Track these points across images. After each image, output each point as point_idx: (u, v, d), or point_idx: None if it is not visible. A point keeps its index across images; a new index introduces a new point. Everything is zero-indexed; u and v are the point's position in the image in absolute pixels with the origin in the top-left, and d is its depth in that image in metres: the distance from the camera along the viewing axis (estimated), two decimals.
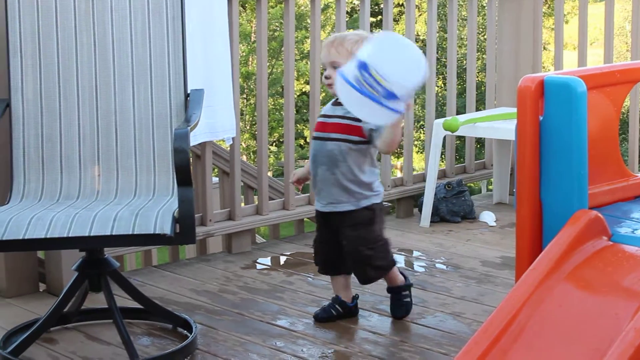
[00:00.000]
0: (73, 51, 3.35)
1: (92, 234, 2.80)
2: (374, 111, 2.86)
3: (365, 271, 3.34)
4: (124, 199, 3.21)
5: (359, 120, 3.16)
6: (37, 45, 3.32)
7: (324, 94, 7.76)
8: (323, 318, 3.39)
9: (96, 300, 3.31)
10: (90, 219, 2.84)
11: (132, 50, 3.37)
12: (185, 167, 2.85)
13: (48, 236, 2.79)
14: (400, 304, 3.44)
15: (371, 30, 5.78)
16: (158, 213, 2.87)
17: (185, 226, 2.87)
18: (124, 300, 3.29)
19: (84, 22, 3.36)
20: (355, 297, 3.46)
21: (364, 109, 2.88)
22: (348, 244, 3.29)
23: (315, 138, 3.31)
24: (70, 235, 2.80)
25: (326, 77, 3.21)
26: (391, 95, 2.83)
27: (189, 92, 3.38)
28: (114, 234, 2.81)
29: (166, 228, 2.81)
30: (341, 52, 3.15)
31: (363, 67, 2.79)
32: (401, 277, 3.44)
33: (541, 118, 2.63)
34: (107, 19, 3.37)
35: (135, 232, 2.82)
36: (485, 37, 6.14)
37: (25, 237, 2.79)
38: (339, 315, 3.40)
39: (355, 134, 3.20)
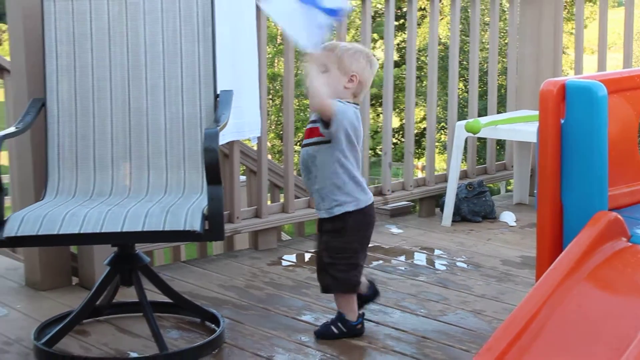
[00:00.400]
0: (106, 53, 3.37)
1: (124, 230, 2.82)
2: (303, 24, 2.89)
3: (323, 278, 3.17)
4: (154, 196, 3.22)
5: (316, 121, 3.09)
6: (72, 47, 3.35)
7: None
8: (321, 334, 3.21)
9: (127, 294, 3.33)
10: (122, 215, 2.86)
11: (164, 53, 3.39)
12: (215, 165, 2.86)
13: (81, 232, 2.82)
14: (326, 325, 3.20)
15: (395, 34, 5.77)
16: (188, 210, 2.89)
17: (214, 223, 2.89)
18: (154, 294, 3.30)
19: (117, 25, 3.38)
20: (361, 315, 3.24)
21: (294, 20, 2.91)
22: (317, 250, 3.23)
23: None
24: (102, 231, 2.82)
25: None
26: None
27: (218, 92, 3.39)
28: (145, 230, 2.83)
29: (196, 225, 2.83)
30: (331, 57, 3.07)
31: None
32: (354, 313, 3.18)
33: (562, 121, 2.62)
34: (140, 22, 3.39)
35: (165, 229, 2.83)
36: (506, 41, 6.13)
37: (60, 233, 2.82)
38: (341, 334, 3.19)
39: (316, 135, 3.10)
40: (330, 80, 3.07)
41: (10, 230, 2.81)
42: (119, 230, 2.82)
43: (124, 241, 3.03)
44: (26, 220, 2.84)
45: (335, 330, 3.18)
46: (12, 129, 3.14)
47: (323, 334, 3.19)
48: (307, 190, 3.26)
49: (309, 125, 3.15)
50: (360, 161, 3.18)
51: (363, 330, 3.22)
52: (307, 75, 3.02)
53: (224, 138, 4.01)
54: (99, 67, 3.37)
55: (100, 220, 2.84)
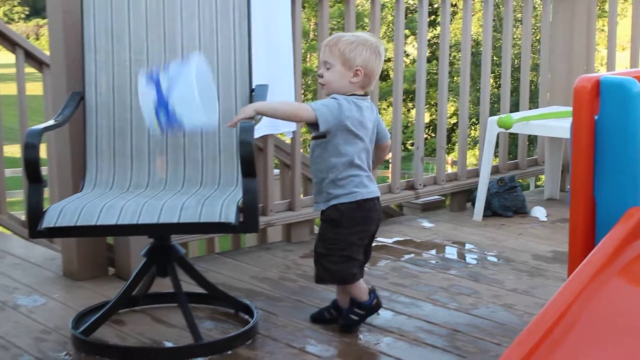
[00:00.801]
0: (144, 48, 3.39)
1: (160, 222, 2.83)
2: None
3: (316, 268, 3.13)
4: (190, 188, 3.23)
5: None
6: (110, 42, 3.37)
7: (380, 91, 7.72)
8: (316, 318, 3.26)
9: (162, 285, 3.34)
10: (158, 207, 2.87)
11: (200, 47, 3.39)
12: (250, 159, 2.86)
13: (118, 223, 2.83)
14: (345, 317, 3.18)
15: (429, 29, 5.75)
16: (223, 203, 2.89)
17: (249, 215, 2.89)
18: (189, 285, 3.31)
19: (155, 20, 3.39)
20: (372, 291, 3.18)
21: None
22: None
23: None
24: (139, 222, 2.83)
25: (319, 76, 3.09)
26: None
27: (253, 87, 3.39)
28: (180, 222, 2.83)
29: (231, 217, 2.83)
30: (334, 52, 3.01)
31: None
32: (364, 295, 3.14)
33: (596, 117, 2.60)
34: (177, 17, 3.39)
35: (201, 221, 2.84)
36: (538, 37, 6.09)
37: (97, 224, 2.83)
38: (332, 319, 3.22)
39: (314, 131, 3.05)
40: (336, 76, 3.02)
41: (49, 221, 2.83)
42: (155, 222, 2.83)
43: (159, 233, 3.04)
44: (65, 211, 2.85)
45: (354, 317, 3.15)
46: (51, 122, 3.15)
47: (347, 326, 3.16)
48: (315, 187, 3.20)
49: None
50: (367, 151, 3.10)
51: (380, 304, 3.19)
52: (265, 111, 2.99)
53: (258, 132, 4.01)
54: (137, 62, 3.38)
55: (137, 212, 2.85)
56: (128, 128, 3.34)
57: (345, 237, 3.07)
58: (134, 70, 3.36)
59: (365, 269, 3.87)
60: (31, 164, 2.84)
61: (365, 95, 3.09)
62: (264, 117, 3.57)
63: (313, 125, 3.00)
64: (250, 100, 3.34)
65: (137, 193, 3.14)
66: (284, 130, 4.20)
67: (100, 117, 3.34)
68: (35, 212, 2.86)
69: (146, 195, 3.08)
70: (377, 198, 3.15)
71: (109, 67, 3.37)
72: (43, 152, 5.19)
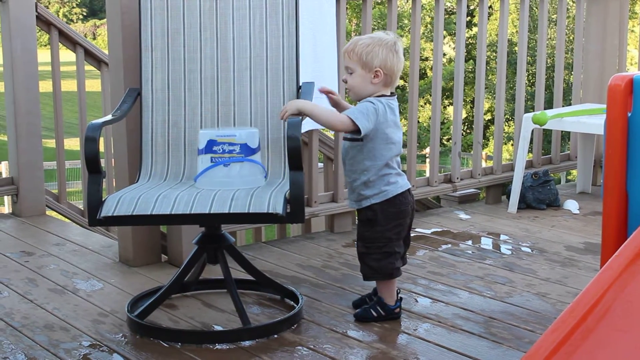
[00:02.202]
0: (197, 46, 3.40)
1: (211, 212, 2.84)
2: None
3: (361, 267, 3.11)
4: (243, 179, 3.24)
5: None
6: (166, 41, 3.38)
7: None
8: (357, 305, 3.23)
9: (212, 272, 3.36)
10: (210, 198, 2.88)
11: (251, 46, 3.40)
12: (297, 153, 2.86)
13: (173, 212, 2.85)
14: (366, 309, 3.14)
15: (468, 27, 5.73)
16: (271, 194, 2.90)
17: (295, 207, 2.89)
18: (237, 272, 3.32)
19: (208, 20, 3.40)
20: (399, 300, 3.16)
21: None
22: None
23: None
24: (192, 212, 2.84)
25: (344, 81, 3.07)
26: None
27: (300, 84, 3.40)
28: (231, 212, 2.85)
29: (278, 208, 2.84)
30: (352, 58, 2.98)
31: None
32: (393, 298, 3.12)
33: (629, 114, 2.57)
34: (229, 17, 3.40)
35: (250, 211, 2.85)
36: (571, 37, 6.04)
37: (153, 213, 2.85)
38: (379, 317, 3.13)
39: (350, 132, 3.00)
40: (358, 80, 2.99)
41: (108, 210, 2.85)
42: (206, 211, 2.84)
43: (211, 222, 3.06)
44: (122, 201, 2.88)
45: (374, 313, 3.12)
46: (109, 117, 3.18)
47: (362, 317, 3.14)
48: (346, 182, 3.20)
49: None
50: (399, 153, 3.06)
51: (400, 314, 3.16)
52: (308, 112, 2.97)
53: (304, 127, 4.01)
54: (190, 60, 3.39)
55: (190, 202, 2.86)
56: (182, 122, 3.36)
57: (382, 234, 3.04)
58: (187, 68, 3.38)
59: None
60: (91, 156, 2.86)
61: (392, 95, 3.05)
62: None
63: (354, 131, 2.97)
64: (297, 97, 3.34)
65: (190, 184, 3.15)
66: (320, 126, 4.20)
67: (155, 112, 3.36)
68: (94, 201, 2.89)
69: (199, 187, 3.09)
70: (408, 190, 3.11)
71: (165, 65, 3.38)
72: (101, 145, 5.25)
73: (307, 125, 4.03)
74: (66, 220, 5.03)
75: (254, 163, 3.07)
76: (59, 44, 4.89)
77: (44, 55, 4.84)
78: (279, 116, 3.05)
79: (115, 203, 2.86)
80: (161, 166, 3.32)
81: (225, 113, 3.38)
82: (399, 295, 3.17)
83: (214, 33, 3.40)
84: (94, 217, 2.88)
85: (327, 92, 3.17)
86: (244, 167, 3.05)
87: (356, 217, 3.17)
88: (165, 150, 3.34)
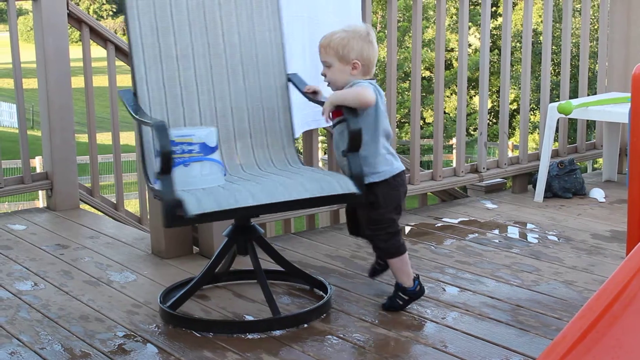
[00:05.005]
0: (189, 44, 3.27)
1: (294, 199, 2.89)
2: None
3: (374, 249, 3.19)
4: (269, 169, 3.25)
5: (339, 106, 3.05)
6: (156, 40, 3.21)
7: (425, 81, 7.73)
8: (389, 307, 3.17)
9: (243, 263, 3.37)
10: (279, 186, 2.92)
11: (240, 42, 3.35)
12: (358, 136, 2.97)
13: (256, 204, 2.84)
14: (391, 299, 3.17)
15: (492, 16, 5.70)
16: (329, 177, 2.99)
17: (359, 185, 2.98)
18: (267, 263, 3.34)
19: (197, 17, 3.28)
20: (416, 278, 3.18)
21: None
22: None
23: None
24: (275, 201, 2.87)
25: (323, 75, 3.12)
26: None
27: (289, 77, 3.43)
28: (311, 196, 2.91)
29: (352, 187, 2.93)
30: (329, 52, 3.05)
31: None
32: (409, 279, 3.14)
33: None
34: (217, 14, 3.33)
35: (328, 194, 2.93)
36: (596, 27, 5.99)
37: (239, 206, 2.82)
38: (382, 269, 3.31)
39: (340, 115, 3.07)
40: (337, 74, 3.06)
41: (196, 208, 2.76)
42: (290, 199, 2.88)
43: (294, 208, 3.00)
44: (199, 198, 2.79)
45: (399, 301, 3.14)
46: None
47: (390, 308, 3.16)
48: (340, 167, 3.22)
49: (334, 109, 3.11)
50: (387, 131, 3.10)
51: (424, 290, 3.19)
52: (341, 100, 3.01)
53: (303, 127, 4.03)
54: (183, 57, 3.26)
55: (265, 191, 2.88)
56: (182, 121, 3.24)
57: (385, 215, 3.09)
58: (181, 66, 3.25)
59: (432, 247, 3.88)
60: (166, 156, 2.77)
61: (371, 79, 3.10)
62: (309, 112, 3.82)
63: (348, 109, 3.02)
64: (287, 88, 3.41)
65: (226, 179, 3.11)
66: (325, 125, 4.18)
67: (154, 112, 3.17)
68: (172, 201, 2.77)
69: (244, 179, 3.10)
70: (404, 172, 3.17)
71: (158, 64, 3.21)
72: (128, 139, 5.29)
73: (307, 124, 4.04)
74: (99, 213, 5.07)
75: (213, 162, 3.02)
76: (90, 40, 4.92)
77: (75, 51, 4.87)
78: (324, 118, 3.11)
79: (196, 201, 2.78)
80: None
81: (221, 109, 3.31)
82: (415, 274, 3.18)
83: (204, 30, 3.29)
84: (172, 217, 2.78)
85: (312, 92, 3.32)
86: (204, 166, 2.99)
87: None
88: None
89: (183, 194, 2.80)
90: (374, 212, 3.09)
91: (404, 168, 3.18)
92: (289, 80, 3.42)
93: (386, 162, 3.09)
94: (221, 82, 3.32)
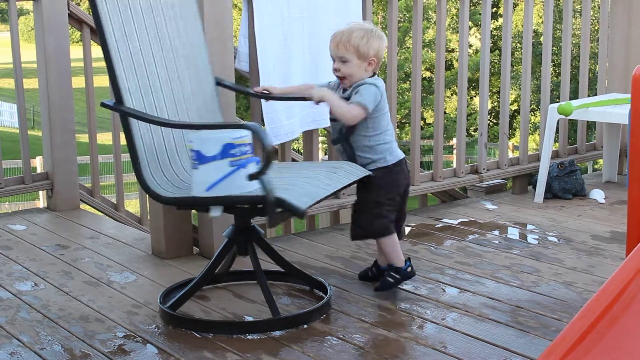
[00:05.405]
0: (149, 49, 3.19)
1: (351, 180, 3.12)
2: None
3: (352, 228, 3.31)
4: None
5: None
6: (127, 45, 3.07)
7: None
8: (362, 277, 3.47)
9: (243, 264, 3.37)
10: (324, 178, 3.07)
11: (181, 45, 3.36)
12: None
13: (334, 189, 3.04)
14: (382, 280, 3.30)
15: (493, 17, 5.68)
16: (345, 166, 3.21)
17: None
18: (267, 263, 3.34)
19: (149, 21, 3.21)
20: (408, 260, 3.32)
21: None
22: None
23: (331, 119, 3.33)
24: (337, 189, 3.07)
25: (335, 70, 3.22)
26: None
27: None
28: (353, 180, 3.13)
29: (364, 170, 3.24)
30: (349, 49, 3.16)
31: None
32: (400, 259, 3.28)
33: None
34: (163, 17, 3.29)
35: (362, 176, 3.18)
36: (596, 27, 6.00)
37: (321, 197, 2.95)
38: (374, 277, 3.42)
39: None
40: (354, 69, 3.19)
41: (302, 203, 2.81)
42: (348, 182, 3.10)
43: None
44: (293, 194, 2.84)
45: (390, 280, 3.28)
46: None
47: (383, 286, 3.29)
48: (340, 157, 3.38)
49: None
50: (389, 121, 3.28)
51: (414, 273, 3.33)
52: (330, 103, 3.15)
53: (302, 127, 4.04)
54: (148, 63, 3.16)
55: (319, 183, 3.03)
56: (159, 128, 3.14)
57: (374, 198, 3.24)
58: (148, 70, 3.15)
59: (432, 248, 3.88)
60: (269, 155, 2.75)
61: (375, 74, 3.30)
62: (309, 113, 3.95)
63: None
64: (217, 92, 3.49)
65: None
66: (325, 125, 4.19)
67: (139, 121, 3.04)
68: (276, 201, 2.78)
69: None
70: (405, 160, 3.34)
71: (132, 70, 3.06)
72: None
73: (306, 124, 4.05)
74: (100, 213, 5.07)
75: (258, 160, 2.95)
76: (91, 40, 4.92)
77: (76, 51, 4.87)
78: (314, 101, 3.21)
79: (296, 197, 2.83)
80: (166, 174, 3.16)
81: (185, 110, 3.30)
82: (407, 257, 3.34)
83: (157, 34, 3.23)
84: (277, 215, 2.80)
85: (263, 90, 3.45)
86: (253, 166, 2.93)
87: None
88: (165, 157, 3.15)
89: (289, 193, 2.85)
90: (365, 194, 3.26)
91: (404, 156, 3.34)
92: (219, 84, 3.51)
93: (389, 150, 3.26)
94: (178, 86, 3.30)
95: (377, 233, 3.27)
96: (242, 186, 2.84)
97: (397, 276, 3.28)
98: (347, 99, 3.18)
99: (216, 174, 2.84)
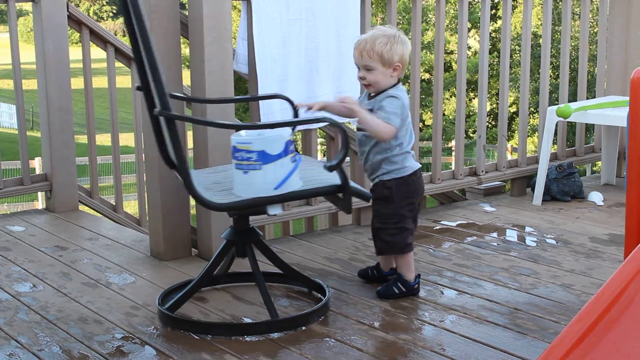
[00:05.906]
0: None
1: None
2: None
3: (376, 242, 3.31)
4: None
5: (370, 109, 3.18)
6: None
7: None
8: (362, 274, 3.49)
9: (241, 265, 3.37)
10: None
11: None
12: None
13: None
14: (387, 286, 3.29)
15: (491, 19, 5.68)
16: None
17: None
18: (265, 265, 3.34)
19: None
20: (418, 276, 3.32)
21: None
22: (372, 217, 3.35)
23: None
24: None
25: (361, 78, 3.20)
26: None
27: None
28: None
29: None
30: (373, 57, 3.14)
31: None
32: (411, 274, 3.29)
33: None
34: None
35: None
36: (595, 30, 6.00)
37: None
38: (373, 278, 3.44)
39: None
40: (380, 77, 3.16)
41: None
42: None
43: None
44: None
45: (396, 290, 3.28)
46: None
47: (385, 294, 3.28)
48: (363, 165, 3.36)
49: None
50: (410, 130, 3.26)
51: (419, 290, 3.32)
52: (364, 123, 3.15)
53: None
54: None
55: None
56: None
57: (397, 211, 3.23)
58: None
59: (431, 250, 3.88)
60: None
61: (399, 81, 3.25)
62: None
63: None
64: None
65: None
66: (321, 126, 4.18)
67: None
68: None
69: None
70: (420, 170, 3.32)
71: None
72: (130, 141, 5.28)
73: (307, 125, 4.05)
74: (98, 215, 5.07)
75: (278, 169, 2.93)
76: (90, 42, 4.92)
77: (75, 53, 4.87)
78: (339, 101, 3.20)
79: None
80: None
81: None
82: (417, 272, 3.33)
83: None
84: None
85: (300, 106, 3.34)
86: (267, 174, 2.92)
87: (372, 197, 3.30)
88: None
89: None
90: (386, 207, 3.23)
91: (420, 166, 3.33)
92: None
93: (406, 161, 3.24)
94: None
95: (400, 249, 3.26)
96: (297, 181, 2.95)
97: (404, 289, 3.27)
98: (371, 110, 3.17)
99: (283, 172, 2.91)
